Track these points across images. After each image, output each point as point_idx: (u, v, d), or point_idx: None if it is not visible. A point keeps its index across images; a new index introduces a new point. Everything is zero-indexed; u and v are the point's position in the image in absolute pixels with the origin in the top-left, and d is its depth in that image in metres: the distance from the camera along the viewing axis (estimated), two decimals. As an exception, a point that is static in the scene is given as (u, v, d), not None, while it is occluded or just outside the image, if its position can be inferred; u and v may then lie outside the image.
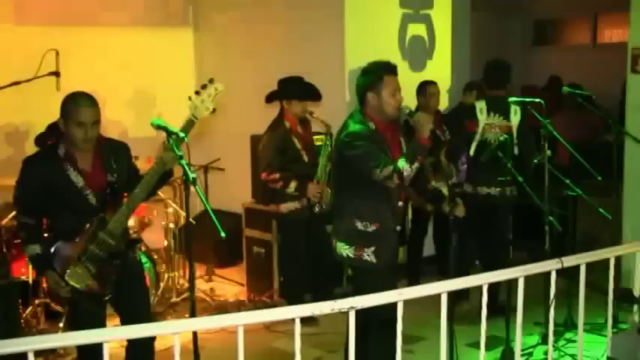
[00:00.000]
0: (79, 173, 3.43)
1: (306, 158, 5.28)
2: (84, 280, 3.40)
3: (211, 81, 3.34)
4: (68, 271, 3.39)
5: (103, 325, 3.51)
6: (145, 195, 3.41)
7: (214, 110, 3.34)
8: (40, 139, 5.69)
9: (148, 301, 3.95)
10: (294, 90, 5.30)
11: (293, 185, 5.18)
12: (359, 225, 3.71)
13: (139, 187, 3.36)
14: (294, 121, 5.29)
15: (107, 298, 3.47)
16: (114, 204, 3.44)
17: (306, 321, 4.33)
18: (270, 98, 5.43)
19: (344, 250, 3.77)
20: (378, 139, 3.65)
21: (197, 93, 3.31)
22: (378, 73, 3.67)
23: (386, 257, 3.75)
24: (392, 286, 3.10)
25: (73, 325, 3.55)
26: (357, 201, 3.73)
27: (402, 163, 3.52)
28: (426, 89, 6.16)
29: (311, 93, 5.39)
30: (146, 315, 3.64)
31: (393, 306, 2.99)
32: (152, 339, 3.53)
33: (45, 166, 3.46)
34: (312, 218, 5.29)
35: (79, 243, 3.41)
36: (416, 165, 3.53)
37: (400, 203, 3.75)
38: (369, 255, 3.71)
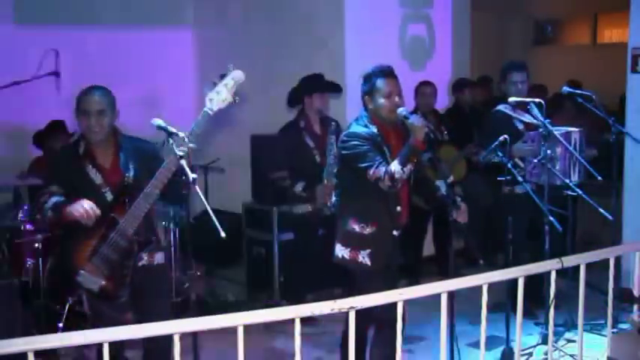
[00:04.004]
0: (98, 170, 3.42)
1: (318, 159, 5.23)
2: (97, 282, 3.35)
3: (229, 70, 3.26)
4: (81, 271, 3.35)
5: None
6: (158, 194, 3.29)
7: (236, 101, 3.23)
8: (38, 137, 5.70)
9: (164, 305, 3.72)
10: (315, 84, 5.29)
11: (300, 185, 5.16)
12: (356, 227, 3.70)
13: (150, 185, 3.27)
14: (313, 119, 5.27)
15: (123, 300, 3.40)
16: (127, 203, 3.36)
17: (306, 321, 4.36)
18: (291, 97, 5.40)
19: (340, 251, 3.77)
20: (378, 141, 3.64)
21: (214, 84, 3.24)
22: (372, 78, 3.69)
23: (382, 260, 3.72)
24: (388, 289, 3.09)
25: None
26: (355, 202, 3.73)
27: (393, 166, 3.52)
28: (420, 90, 6.20)
29: (331, 85, 5.39)
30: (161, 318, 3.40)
31: (392, 307, 3.00)
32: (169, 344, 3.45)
33: (65, 162, 3.46)
34: (325, 219, 5.29)
35: (89, 243, 3.36)
36: (408, 167, 3.51)
37: (399, 208, 3.73)
38: (364, 257, 3.70)
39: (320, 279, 5.50)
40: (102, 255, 3.35)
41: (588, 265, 3.51)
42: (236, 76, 3.26)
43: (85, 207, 3.27)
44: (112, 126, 3.48)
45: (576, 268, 3.54)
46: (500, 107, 5.23)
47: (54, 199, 3.36)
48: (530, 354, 4.61)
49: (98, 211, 3.30)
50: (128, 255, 3.39)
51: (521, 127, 5.11)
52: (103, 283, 3.36)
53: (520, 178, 4.52)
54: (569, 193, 4.74)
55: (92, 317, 3.45)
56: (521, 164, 5.00)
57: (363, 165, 3.56)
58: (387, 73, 3.70)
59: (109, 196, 3.41)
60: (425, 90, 6.23)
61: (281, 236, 5.81)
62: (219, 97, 3.24)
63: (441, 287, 3.09)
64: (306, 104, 5.26)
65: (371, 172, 3.54)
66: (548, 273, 3.47)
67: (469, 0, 7.45)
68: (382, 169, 3.52)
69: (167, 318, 3.41)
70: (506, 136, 4.48)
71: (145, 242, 3.46)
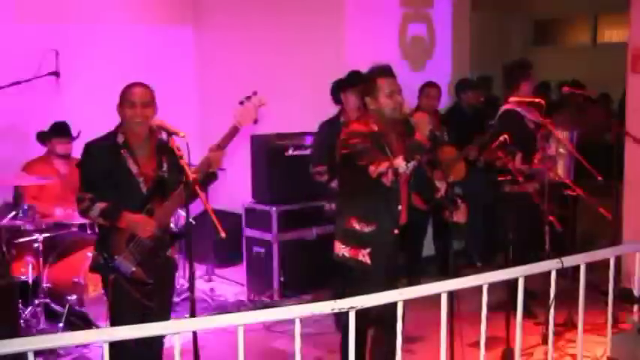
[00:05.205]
0: (135, 161, 3.53)
1: None
2: (129, 268, 3.49)
3: (255, 93, 3.55)
4: (116, 257, 3.48)
5: (146, 312, 3.51)
6: (188, 193, 3.40)
7: (256, 121, 3.58)
8: (41, 136, 5.70)
9: (171, 299, 4.02)
10: (350, 81, 5.27)
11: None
12: (356, 225, 3.71)
13: (183, 184, 3.39)
14: (352, 115, 5.25)
15: (151, 287, 3.54)
16: (161, 197, 3.52)
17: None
18: (332, 93, 5.40)
19: (340, 249, 3.77)
20: (378, 139, 3.65)
21: (241, 103, 3.54)
22: (372, 78, 3.71)
23: (382, 259, 3.73)
24: (388, 289, 3.09)
25: (116, 315, 3.54)
26: (356, 201, 3.73)
27: (398, 161, 3.53)
28: (424, 91, 6.19)
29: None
30: (167, 313, 3.78)
31: (392, 306, 3.00)
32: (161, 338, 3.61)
33: (104, 150, 3.55)
34: None
35: (125, 231, 3.48)
36: (412, 163, 3.53)
37: (399, 207, 3.73)
38: (364, 256, 3.71)
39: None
40: (138, 242, 3.50)
41: (588, 265, 3.51)
42: (262, 99, 3.58)
43: (148, 230, 3.47)
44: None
45: (576, 268, 3.54)
46: (510, 107, 5.20)
47: (99, 206, 3.47)
48: (531, 354, 4.61)
49: (156, 230, 3.50)
50: (162, 245, 3.60)
51: (532, 126, 5.12)
52: (134, 269, 3.51)
53: (520, 179, 4.52)
54: (569, 192, 4.75)
55: (117, 303, 3.53)
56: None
57: (365, 161, 3.57)
58: (387, 72, 3.71)
59: (143, 187, 3.54)
60: (430, 91, 6.20)
61: (284, 235, 5.82)
62: (248, 114, 3.56)
63: (441, 287, 3.09)
64: (343, 101, 5.28)
65: (373, 167, 3.54)
66: (548, 273, 3.47)
67: (469, 0, 7.45)
68: (385, 164, 3.53)
69: (170, 309, 3.80)
70: (506, 136, 4.48)
71: (177, 234, 3.68)
